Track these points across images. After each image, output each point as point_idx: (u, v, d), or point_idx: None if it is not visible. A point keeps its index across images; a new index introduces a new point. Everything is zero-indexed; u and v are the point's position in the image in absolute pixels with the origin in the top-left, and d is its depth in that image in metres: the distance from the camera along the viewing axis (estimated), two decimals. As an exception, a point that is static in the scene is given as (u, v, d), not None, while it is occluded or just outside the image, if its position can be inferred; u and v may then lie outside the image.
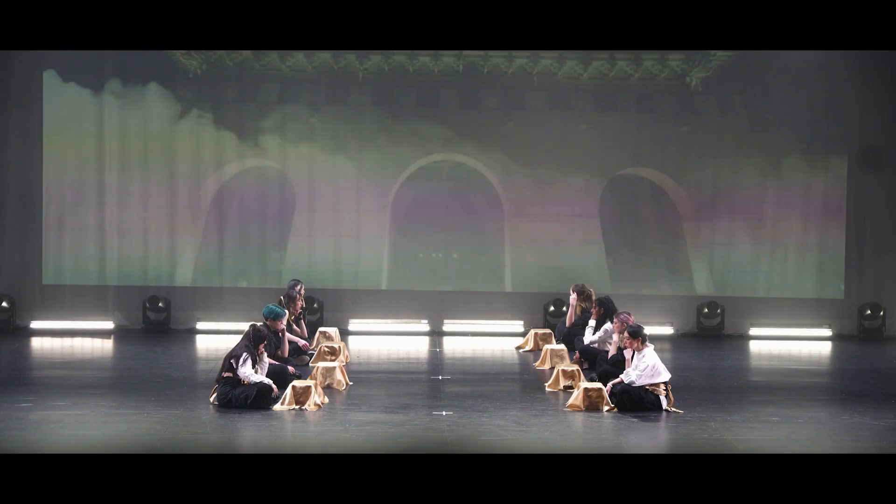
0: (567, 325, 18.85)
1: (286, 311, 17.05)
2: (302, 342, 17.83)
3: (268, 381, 14.72)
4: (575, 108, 21.19)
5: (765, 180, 21.24)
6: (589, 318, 17.97)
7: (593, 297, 18.40)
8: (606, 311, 17.47)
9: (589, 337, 17.61)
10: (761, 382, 17.42)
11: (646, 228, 21.31)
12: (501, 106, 21.25)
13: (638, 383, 14.70)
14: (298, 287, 18.30)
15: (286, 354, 16.48)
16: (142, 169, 21.09)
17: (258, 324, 15.28)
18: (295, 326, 17.90)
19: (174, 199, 21.12)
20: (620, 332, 15.91)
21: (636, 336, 14.97)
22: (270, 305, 16.46)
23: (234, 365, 14.58)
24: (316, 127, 21.20)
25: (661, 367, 14.80)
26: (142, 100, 21.02)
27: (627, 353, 15.08)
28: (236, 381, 14.57)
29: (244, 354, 14.63)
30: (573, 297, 18.88)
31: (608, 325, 17.07)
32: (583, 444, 13.46)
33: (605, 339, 17.17)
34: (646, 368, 14.71)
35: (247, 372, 14.60)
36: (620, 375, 14.97)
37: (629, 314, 16.12)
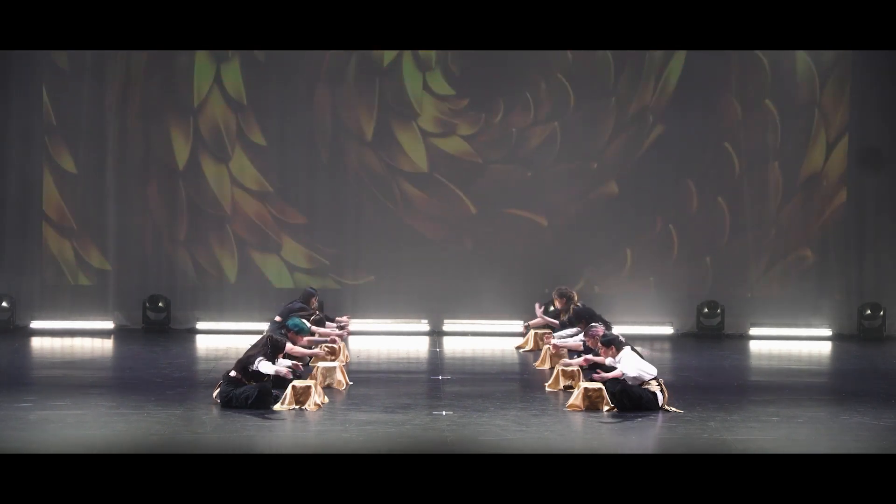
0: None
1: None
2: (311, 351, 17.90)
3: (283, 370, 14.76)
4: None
5: (764, 180, 21.22)
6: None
7: (575, 300, 18.43)
8: (578, 318, 17.43)
9: (560, 335, 17.54)
10: (761, 382, 17.43)
11: (646, 228, 21.30)
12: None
13: (632, 381, 14.68)
14: (314, 300, 18.32)
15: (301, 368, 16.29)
16: (142, 168, 21.09)
17: (276, 336, 15.21)
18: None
19: (174, 199, 21.11)
20: (596, 347, 15.95)
21: (609, 345, 15.08)
22: (296, 320, 16.37)
23: (248, 369, 14.51)
24: (317, 127, 21.18)
25: (644, 364, 14.79)
26: (143, 99, 21.01)
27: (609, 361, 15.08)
28: (239, 382, 14.55)
29: (259, 358, 14.57)
30: (557, 303, 18.82)
31: (580, 336, 17.04)
32: (583, 444, 13.47)
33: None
34: (635, 376, 14.68)
35: (266, 369, 14.54)
36: (619, 371, 14.86)
37: (597, 327, 16.22)
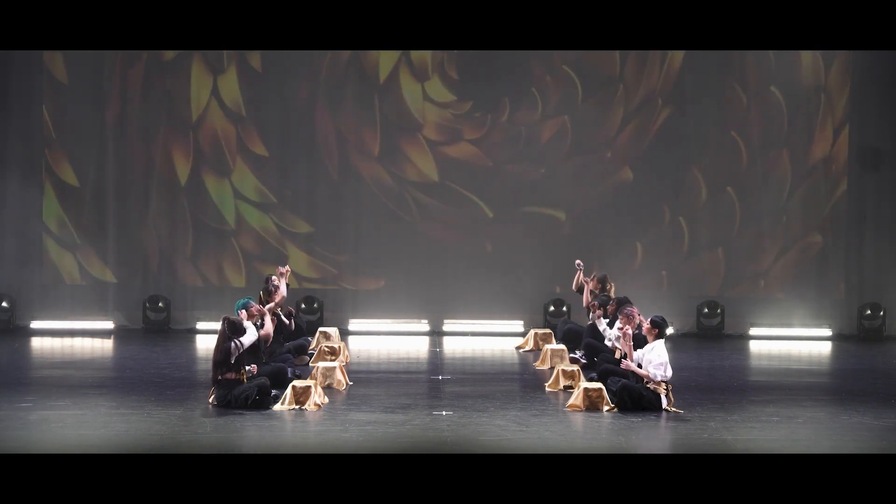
0: (584, 304, 18.66)
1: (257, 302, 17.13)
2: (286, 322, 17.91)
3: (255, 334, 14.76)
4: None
5: (764, 179, 21.23)
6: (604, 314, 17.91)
7: (611, 294, 18.29)
8: (618, 304, 17.31)
9: (608, 338, 17.29)
10: (761, 382, 17.43)
11: (647, 228, 21.30)
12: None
13: (652, 374, 14.61)
14: (274, 279, 18.30)
15: (270, 337, 16.15)
16: (142, 168, 21.09)
17: (230, 318, 15.05)
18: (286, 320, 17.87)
19: (174, 198, 21.11)
20: (625, 325, 15.85)
21: (655, 327, 14.84)
22: (238, 302, 16.39)
23: (236, 354, 14.41)
24: (318, 125, 21.18)
25: (669, 366, 14.77)
26: (142, 99, 21.01)
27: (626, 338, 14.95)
28: (234, 383, 14.52)
29: (233, 345, 14.45)
30: (593, 283, 18.61)
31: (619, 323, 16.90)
32: (583, 444, 13.47)
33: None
34: (660, 364, 14.62)
35: (245, 338, 14.47)
36: (636, 365, 14.76)
37: (632, 307, 16.10)
